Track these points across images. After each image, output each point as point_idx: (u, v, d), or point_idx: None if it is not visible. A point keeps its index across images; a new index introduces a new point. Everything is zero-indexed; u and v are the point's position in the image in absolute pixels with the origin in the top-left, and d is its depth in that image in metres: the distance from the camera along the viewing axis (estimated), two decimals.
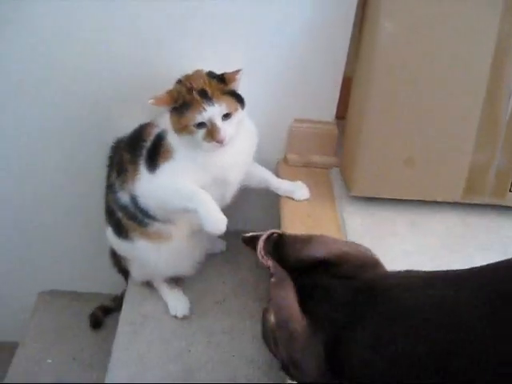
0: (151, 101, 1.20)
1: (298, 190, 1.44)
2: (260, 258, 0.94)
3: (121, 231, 1.39)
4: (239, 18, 1.37)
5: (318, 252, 0.92)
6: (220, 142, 1.21)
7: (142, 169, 1.29)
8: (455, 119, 1.33)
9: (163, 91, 1.23)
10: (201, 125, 1.21)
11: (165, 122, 1.28)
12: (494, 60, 1.27)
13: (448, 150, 1.36)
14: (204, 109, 1.20)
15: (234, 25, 1.37)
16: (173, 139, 1.27)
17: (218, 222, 1.23)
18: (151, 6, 1.35)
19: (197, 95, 1.20)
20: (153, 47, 1.40)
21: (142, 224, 1.34)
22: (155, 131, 1.30)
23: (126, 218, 1.36)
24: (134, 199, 1.32)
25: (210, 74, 1.25)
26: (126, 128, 1.37)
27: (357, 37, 1.40)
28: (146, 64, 1.41)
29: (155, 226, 1.34)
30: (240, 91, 1.26)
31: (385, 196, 1.40)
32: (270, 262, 0.92)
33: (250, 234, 1.00)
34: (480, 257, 1.32)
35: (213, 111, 1.20)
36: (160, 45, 1.40)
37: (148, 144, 1.30)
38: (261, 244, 0.94)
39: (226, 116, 1.22)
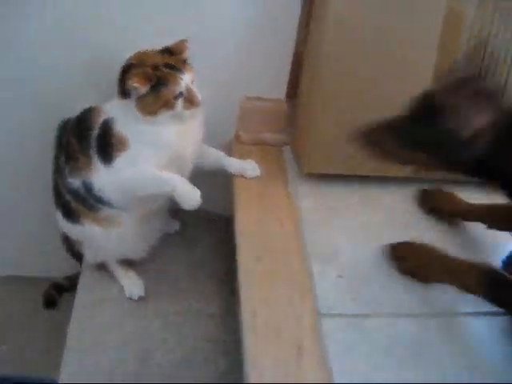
0: (136, 84, 1.18)
1: (249, 167, 1.45)
2: None
3: (70, 215, 1.37)
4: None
5: None
6: (198, 105, 1.25)
7: (97, 161, 1.28)
8: (405, 94, 1.32)
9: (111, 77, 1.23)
10: (178, 96, 1.23)
11: (111, 108, 1.27)
12: (443, 34, 1.29)
13: None
14: (180, 78, 1.22)
15: (183, 2, 1.36)
16: (123, 127, 1.26)
17: (194, 197, 1.26)
18: None
19: (166, 69, 1.22)
20: (100, 28, 1.38)
21: (92, 209, 1.33)
22: (101, 119, 1.28)
23: (76, 203, 1.34)
24: (87, 186, 1.30)
25: (158, 51, 1.25)
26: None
27: (307, 13, 1.40)
28: (90, 45, 1.39)
29: (106, 212, 1.33)
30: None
31: (336, 172, 1.41)
32: None
33: None
34: (432, 230, 1.34)
35: (186, 79, 1.23)
36: (106, 25, 1.37)
37: (96, 133, 1.28)
38: None
39: (192, 83, 1.26)
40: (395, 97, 1.32)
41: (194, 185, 1.35)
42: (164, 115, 1.23)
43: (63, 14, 1.35)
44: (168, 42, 1.27)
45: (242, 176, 1.44)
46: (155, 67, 1.21)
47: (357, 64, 1.30)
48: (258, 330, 1.08)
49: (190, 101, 1.24)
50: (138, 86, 1.19)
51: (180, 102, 1.23)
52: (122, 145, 1.26)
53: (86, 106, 1.33)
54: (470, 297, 1.18)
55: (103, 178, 1.28)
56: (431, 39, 1.30)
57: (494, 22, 1.29)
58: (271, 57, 1.43)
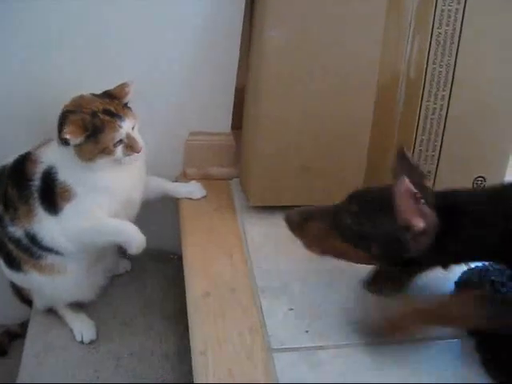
0: (68, 135, 1.16)
1: (195, 189, 1.46)
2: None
3: (12, 263, 1.34)
4: (125, 33, 1.33)
5: None
6: (139, 151, 1.22)
7: (40, 211, 1.26)
8: (348, 123, 1.35)
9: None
10: (117, 143, 1.20)
11: (49, 156, 1.25)
12: (382, 60, 1.30)
13: (343, 152, 1.37)
14: (119, 126, 1.19)
15: (121, 40, 1.34)
16: (67, 176, 1.23)
17: (141, 243, 1.26)
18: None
19: (105, 116, 1.18)
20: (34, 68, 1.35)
21: (35, 257, 1.30)
22: (40, 169, 1.25)
23: (18, 251, 1.31)
24: (29, 235, 1.28)
25: (97, 95, 1.23)
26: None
27: (247, 46, 1.40)
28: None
29: (51, 259, 1.31)
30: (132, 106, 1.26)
31: (282, 204, 1.39)
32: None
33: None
34: None
35: (126, 126, 1.20)
36: (39, 64, 1.34)
37: (37, 183, 1.25)
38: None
39: (132, 128, 1.23)
40: (337, 125, 1.34)
41: (146, 224, 1.35)
42: (103, 161, 1.20)
43: None
44: (109, 85, 1.25)
45: (190, 198, 1.44)
46: (93, 114, 1.18)
47: (295, 96, 1.30)
48: (209, 370, 1.06)
49: (131, 147, 1.21)
50: (72, 137, 1.16)
51: (120, 149, 1.21)
52: (69, 194, 1.23)
53: (21, 152, 1.30)
54: None
55: (50, 227, 1.26)
56: (372, 68, 1.31)
57: (432, 47, 1.31)
58: (213, 91, 1.43)
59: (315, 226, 1.13)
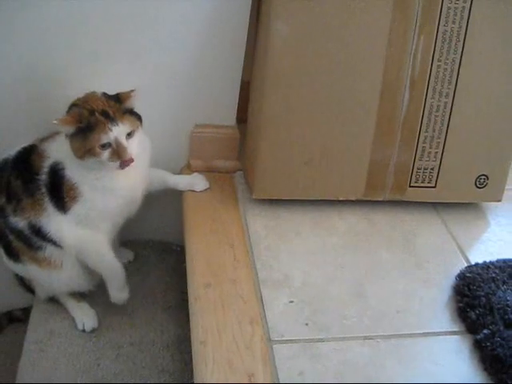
0: (56, 121, 1.17)
1: (197, 181, 1.46)
2: None
3: (11, 253, 1.36)
4: (132, 28, 1.34)
5: None
6: (126, 161, 1.21)
7: (49, 207, 1.27)
8: (352, 118, 1.35)
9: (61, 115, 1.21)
10: (105, 145, 1.19)
11: (56, 151, 1.26)
12: (388, 56, 1.31)
13: (347, 148, 1.38)
14: (109, 129, 1.18)
15: (128, 35, 1.35)
16: (73, 174, 1.25)
17: (123, 296, 1.40)
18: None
19: (100, 116, 1.19)
20: (43, 65, 1.36)
21: (33, 248, 1.31)
22: (47, 163, 1.27)
23: (18, 241, 1.32)
24: (34, 227, 1.29)
25: (106, 95, 1.23)
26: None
27: (253, 41, 1.41)
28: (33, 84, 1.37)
29: (47, 251, 1.32)
30: (139, 102, 1.25)
31: (286, 197, 1.41)
32: None
33: None
34: (384, 252, 1.35)
35: (118, 131, 1.19)
36: (49, 62, 1.35)
37: (44, 178, 1.26)
38: None
39: (129, 135, 1.22)
40: (342, 121, 1.35)
41: (149, 215, 1.35)
42: (91, 161, 1.20)
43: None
44: (113, 79, 1.27)
45: (192, 191, 1.45)
46: (91, 112, 1.19)
47: (301, 91, 1.31)
48: (209, 359, 1.07)
49: (118, 154, 1.20)
50: (62, 124, 1.18)
51: (107, 153, 1.20)
52: (74, 192, 1.25)
53: (23, 145, 1.32)
54: (422, 318, 1.19)
55: (59, 223, 1.28)
56: (377, 64, 1.31)
57: (437, 44, 1.32)
58: (219, 84, 1.43)
59: None
